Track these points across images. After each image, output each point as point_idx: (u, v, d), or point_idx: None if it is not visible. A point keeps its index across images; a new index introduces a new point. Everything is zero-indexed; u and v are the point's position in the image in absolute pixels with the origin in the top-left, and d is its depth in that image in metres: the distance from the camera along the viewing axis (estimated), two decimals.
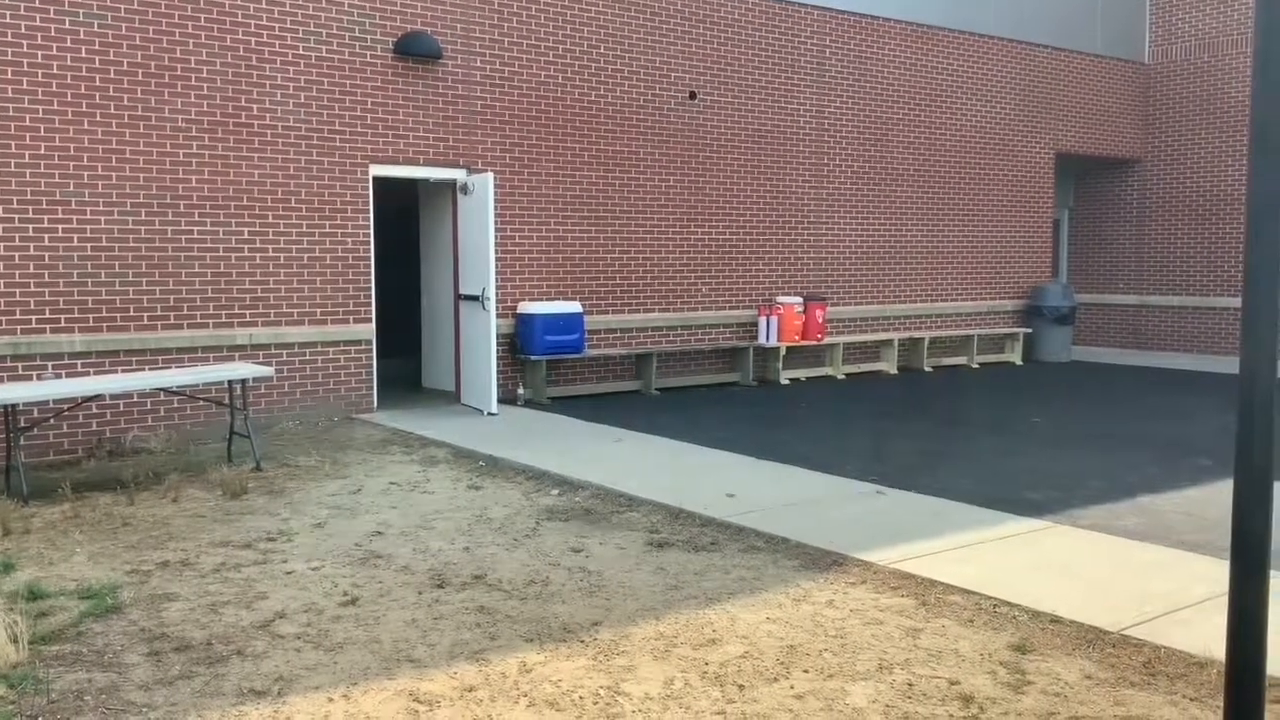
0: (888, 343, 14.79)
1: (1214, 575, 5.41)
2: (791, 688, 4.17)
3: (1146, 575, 5.56)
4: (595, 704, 4.02)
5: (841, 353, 14.20)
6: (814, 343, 13.80)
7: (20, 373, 8.89)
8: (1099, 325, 18.59)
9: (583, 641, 4.65)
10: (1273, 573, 3.30)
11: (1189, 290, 17.50)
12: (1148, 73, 17.90)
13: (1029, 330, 16.44)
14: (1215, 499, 7.24)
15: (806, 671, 4.33)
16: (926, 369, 15.02)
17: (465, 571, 5.67)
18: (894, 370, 14.70)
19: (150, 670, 4.33)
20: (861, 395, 12.79)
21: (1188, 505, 7.15)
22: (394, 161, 10.77)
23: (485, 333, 10.88)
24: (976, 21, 15.63)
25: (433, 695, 4.09)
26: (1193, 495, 7.45)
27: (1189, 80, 17.43)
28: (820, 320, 13.74)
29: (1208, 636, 4.54)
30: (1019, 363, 16.13)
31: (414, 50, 10.69)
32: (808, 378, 13.90)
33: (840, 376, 14.12)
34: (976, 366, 15.61)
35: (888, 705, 4.01)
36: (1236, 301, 16.35)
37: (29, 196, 8.93)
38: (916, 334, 15.07)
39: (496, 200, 11.14)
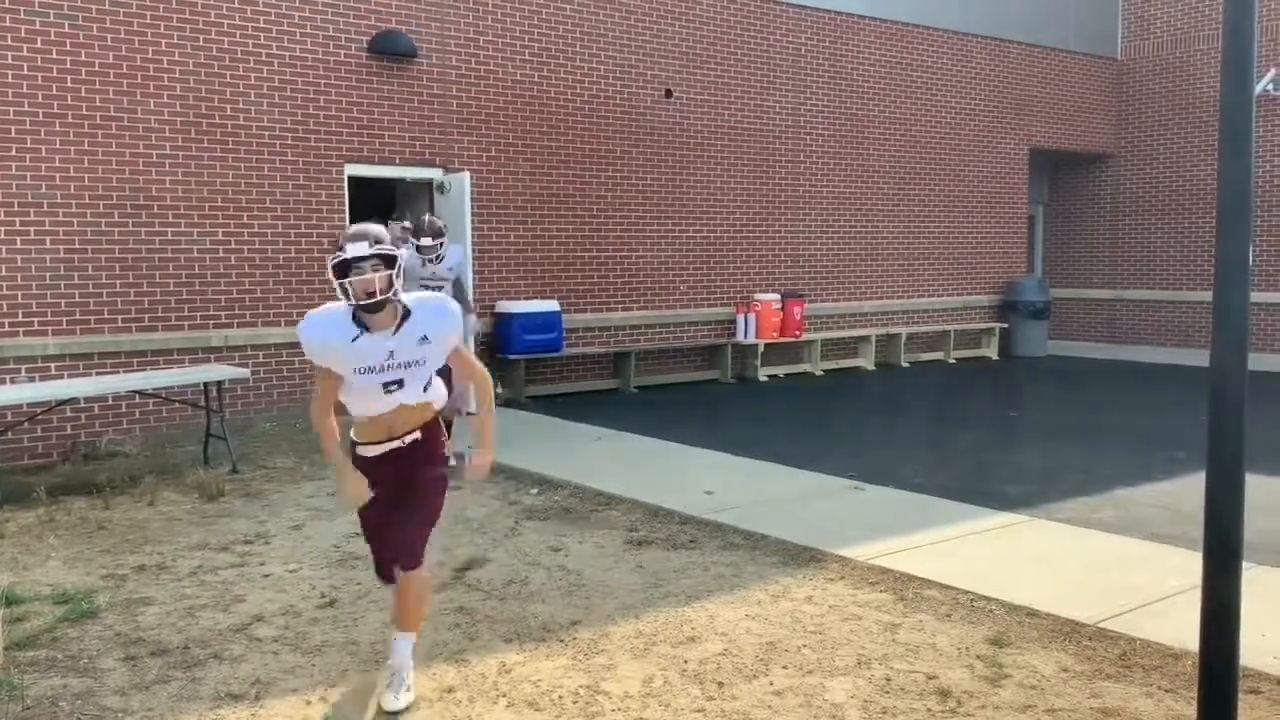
0: (865, 339, 14.84)
1: (1188, 567, 5.45)
2: (770, 684, 4.18)
3: (1122, 568, 5.60)
4: (575, 703, 4.01)
5: (819, 349, 14.23)
6: (792, 340, 13.83)
7: None
8: (1075, 320, 18.70)
9: (562, 641, 4.65)
10: (1246, 564, 3.33)
11: (1163, 284, 17.63)
12: (1120, 68, 18.02)
13: (1005, 325, 16.52)
14: (1189, 491, 7.30)
15: (785, 668, 4.34)
16: (904, 365, 15.09)
17: (443, 572, 5.65)
18: (872, 366, 14.75)
19: (126, 675, 4.30)
20: (839, 391, 12.83)
21: (1162, 498, 7.20)
22: (370, 161, 10.72)
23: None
24: (951, 18, 15.69)
25: (411, 696, 4.07)
26: (1167, 488, 7.50)
27: (1161, 75, 17.56)
28: (798, 317, 13.77)
29: (1183, 628, 4.58)
30: (995, 358, 16.22)
31: (389, 49, 10.65)
32: (786, 374, 13.93)
33: (818, 373, 14.16)
34: (953, 362, 15.68)
35: (866, 700, 4.02)
36: (1210, 295, 16.48)
37: (0, 199, 8.85)
38: (894, 330, 15.13)
39: (474, 199, 11.10)
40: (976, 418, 10.82)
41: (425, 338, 3.95)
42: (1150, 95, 17.69)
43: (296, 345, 10.52)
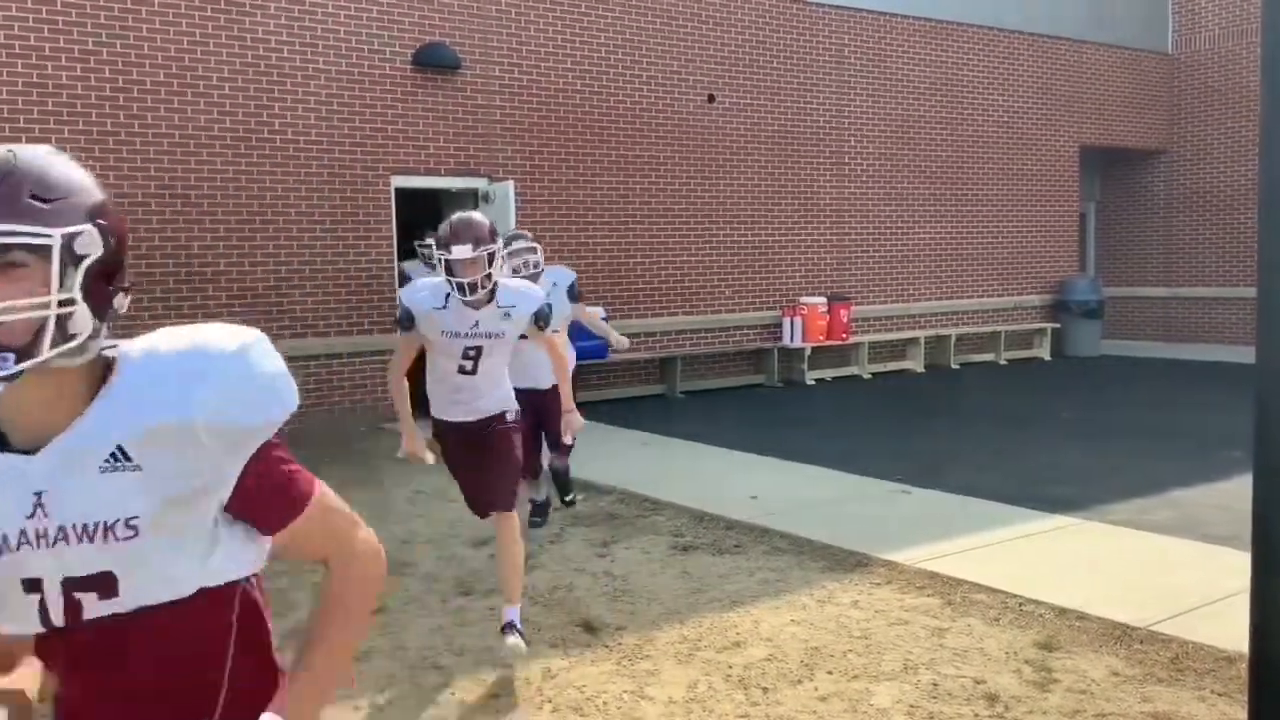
0: (914, 341, 14.72)
1: (1244, 569, 5.32)
2: (815, 690, 4.16)
3: (1176, 570, 5.51)
4: (619, 709, 4.02)
5: (867, 352, 14.15)
6: (839, 342, 13.75)
7: None
8: (1129, 319, 18.41)
9: (607, 646, 4.66)
10: None
11: (1219, 281, 17.31)
12: (1172, 63, 17.74)
13: (1057, 325, 16.31)
14: (1246, 491, 7.11)
15: (830, 673, 4.32)
16: (954, 366, 14.94)
17: (490, 579, 5.69)
18: (921, 368, 14.63)
19: None
20: (888, 394, 12.74)
21: (1219, 498, 7.07)
22: (415, 172, 10.84)
23: None
24: (996, 16, 15.54)
25: (458, 702, 4.11)
26: (1224, 488, 7.36)
27: (1214, 69, 17.26)
28: (845, 320, 13.70)
29: (1237, 631, 4.48)
30: (1048, 358, 16.01)
31: (433, 61, 10.76)
32: (834, 378, 13.86)
33: (866, 376, 14.07)
34: (1004, 363, 15.50)
35: (912, 705, 3.99)
36: None
37: None
38: (942, 331, 15.00)
39: (518, 208, 11.18)
40: (1027, 419, 10.68)
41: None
42: (1203, 89, 17.39)
43: (345, 356, 10.71)
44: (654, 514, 7.01)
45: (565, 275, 7.04)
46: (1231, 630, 4.55)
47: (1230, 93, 17.04)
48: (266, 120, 9.99)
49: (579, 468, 8.30)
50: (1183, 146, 17.71)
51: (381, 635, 4.87)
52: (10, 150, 1.39)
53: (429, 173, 10.94)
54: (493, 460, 4.63)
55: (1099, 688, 4.11)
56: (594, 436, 9.92)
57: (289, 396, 1.50)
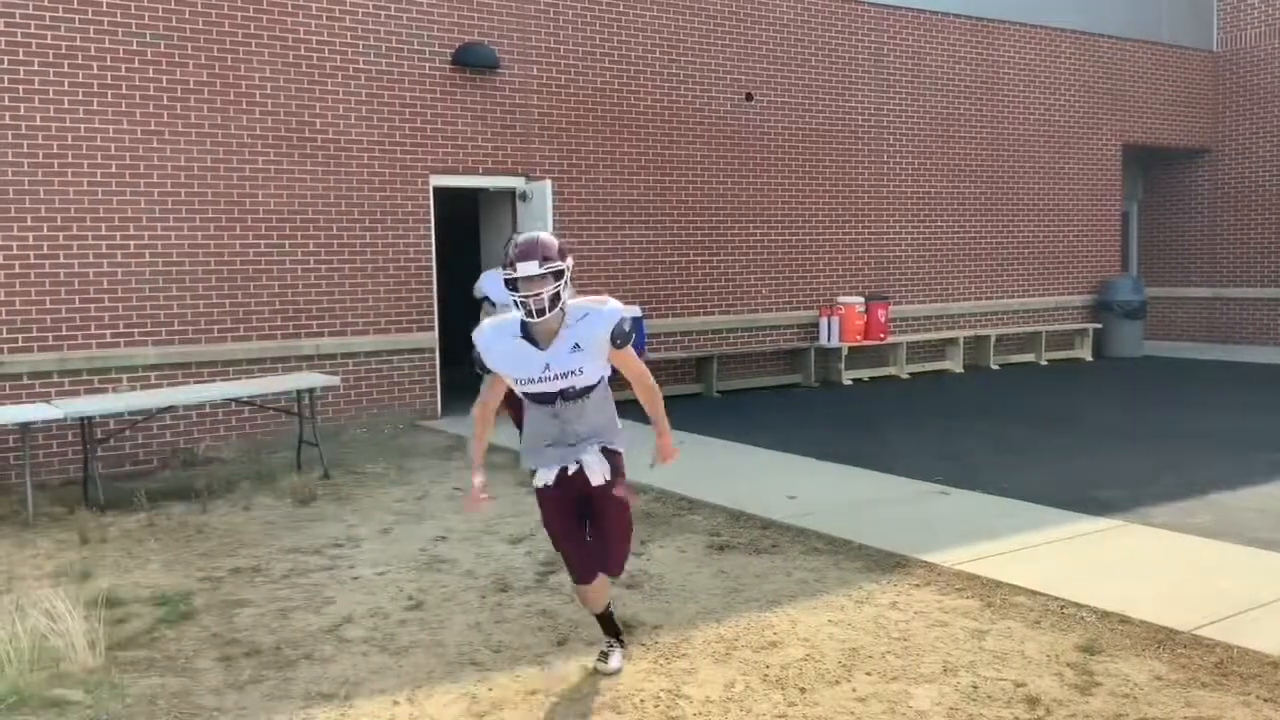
0: (952, 341, 14.61)
1: None
2: (854, 690, 4.14)
3: (1219, 574, 5.43)
4: (656, 707, 4.02)
5: (905, 352, 14.05)
6: (877, 342, 13.68)
7: (96, 386, 9.14)
8: (1172, 319, 18.17)
9: (643, 645, 4.66)
10: None
11: (1264, 281, 17.04)
12: (1216, 61, 17.49)
13: (1099, 326, 16.13)
14: None
15: (869, 674, 4.29)
16: (993, 367, 14.82)
17: (527, 576, 5.71)
18: (960, 369, 14.52)
19: (221, 675, 4.43)
20: (926, 395, 12.65)
21: (1263, 502, 6.97)
22: (454, 171, 10.89)
23: None
24: (1039, 13, 15.39)
25: (496, 699, 4.13)
26: (1269, 491, 7.25)
27: (1260, 67, 16.99)
28: (882, 320, 13.62)
29: None
30: (1089, 359, 15.84)
31: (471, 61, 10.81)
32: (871, 378, 13.79)
33: (904, 376, 13.98)
34: (1045, 363, 15.35)
35: (952, 708, 3.97)
36: None
37: (101, 214, 9.19)
38: (982, 332, 14.87)
39: (555, 207, 11.20)
40: (1068, 420, 10.57)
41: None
42: (1248, 88, 17.13)
43: (385, 353, 10.80)
44: (690, 513, 7.01)
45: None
46: (1277, 635, 4.49)
47: (1276, 90, 16.77)
48: (307, 120, 10.08)
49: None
50: (1227, 145, 17.45)
51: (420, 631, 4.91)
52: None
53: (467, 172, 10.99)
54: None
55: (1142, 692, 4.06)
56: (629, 435, 9.92)
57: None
